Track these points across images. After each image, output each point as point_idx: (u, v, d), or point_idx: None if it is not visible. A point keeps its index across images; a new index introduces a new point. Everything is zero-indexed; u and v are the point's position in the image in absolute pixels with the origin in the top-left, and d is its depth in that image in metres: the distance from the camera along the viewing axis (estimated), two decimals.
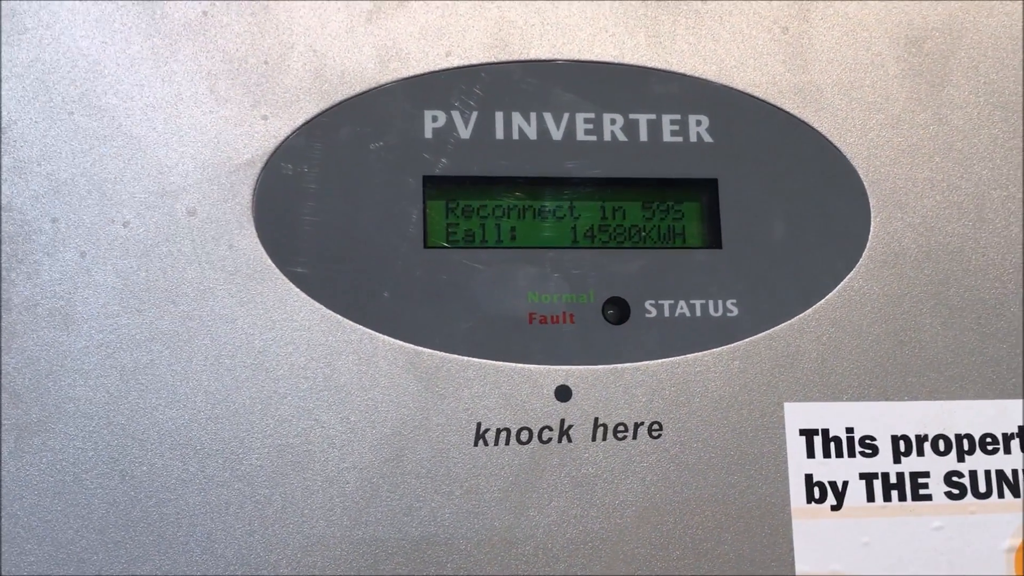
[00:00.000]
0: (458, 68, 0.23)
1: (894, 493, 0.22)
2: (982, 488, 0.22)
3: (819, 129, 0.23)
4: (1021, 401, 0.23)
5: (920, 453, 0.22)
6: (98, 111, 0.21)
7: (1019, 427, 0.23)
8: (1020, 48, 0.24)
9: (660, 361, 0.22)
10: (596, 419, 0.21)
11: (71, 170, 0.21)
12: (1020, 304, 0.23)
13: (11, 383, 0.20)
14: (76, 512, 0.19)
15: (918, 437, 0.22)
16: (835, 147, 0.23)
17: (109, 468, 0.20)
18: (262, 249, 0.21)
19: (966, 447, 0.22)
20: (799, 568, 0.21)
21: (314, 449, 0.20)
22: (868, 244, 0.23)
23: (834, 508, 0.22)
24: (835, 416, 0.22)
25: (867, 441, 0.22)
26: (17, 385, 0.20)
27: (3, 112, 0.21)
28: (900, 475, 0.22)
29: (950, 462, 0.22)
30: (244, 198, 0.21)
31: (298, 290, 0.21)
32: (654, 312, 0.22)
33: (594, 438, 0.21)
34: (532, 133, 0.23)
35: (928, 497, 0.22)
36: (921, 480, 0.22)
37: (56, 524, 0.19)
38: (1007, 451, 0.22)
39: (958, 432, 0.22)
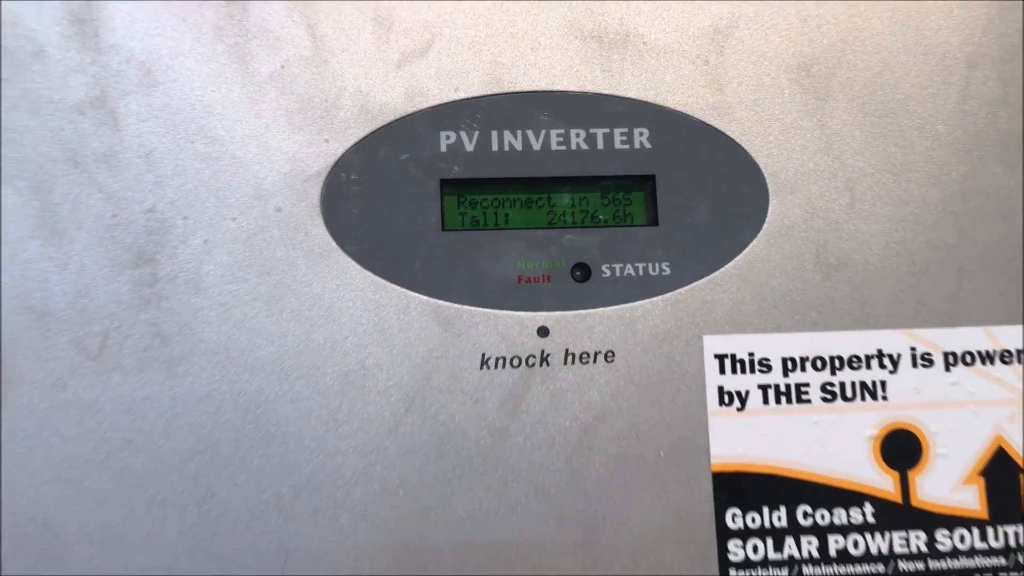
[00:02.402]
0: (464, 100, 0.31)
1: (783, 398, 0.30)
2: (848, 394, 0.30)
3: (731, 136, 0.31)
4: (877, 332, 0.31)
5: (803, 369, 0.30)
6: (212, 140, 0.30)
7: (878, 350, 0.31)
8: (885, 68, 0.32)
9: (613, 307, 0.30)
10: (567, 349, 0.30)
11: (195, 182, 0.29)
12: (878, 261, 0.31)
13: (162, 330, 0.29)
14: (215, 419, 0.28)
15: (802, 358, 0.30)
16: (743, 148, 0.31)
17: (230, 388, 0.29)
18: (328, 234, 0.30)
19: (837, 365, 0.31)
20: (713, 452, 0.30)
21: (368, 373, 0.29)
22: (767, 220, 0.31)
23: (739, 410, 0.30)
24: (741, 345, 0.30)
25: (764, 361, 0.30)
26: (166, 331, 0.29)
27: (148, 143, 0.30)
28: (788, 386, 0.30)
29: (825, 375, 0.30)
30: (314, 198, 0.30)
31: (354, 263, 0.30)
32: (609, 273, 0.31)
33: (565, 363, 0.30)
34: (519, 145, 0.31)
35: (808, 401, 0.30)
36: (803, 389, 0.30)
37: (200, 431, 0.28)
38: (868, 367, 0.31)
39: (831, 354, 0.31)
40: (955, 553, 0.30)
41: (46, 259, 0.29)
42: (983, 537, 0.30)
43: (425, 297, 0.30)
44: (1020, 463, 0.30)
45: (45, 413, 0.28)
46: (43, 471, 0.28)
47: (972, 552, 0.30)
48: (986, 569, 0.30)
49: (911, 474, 0.30)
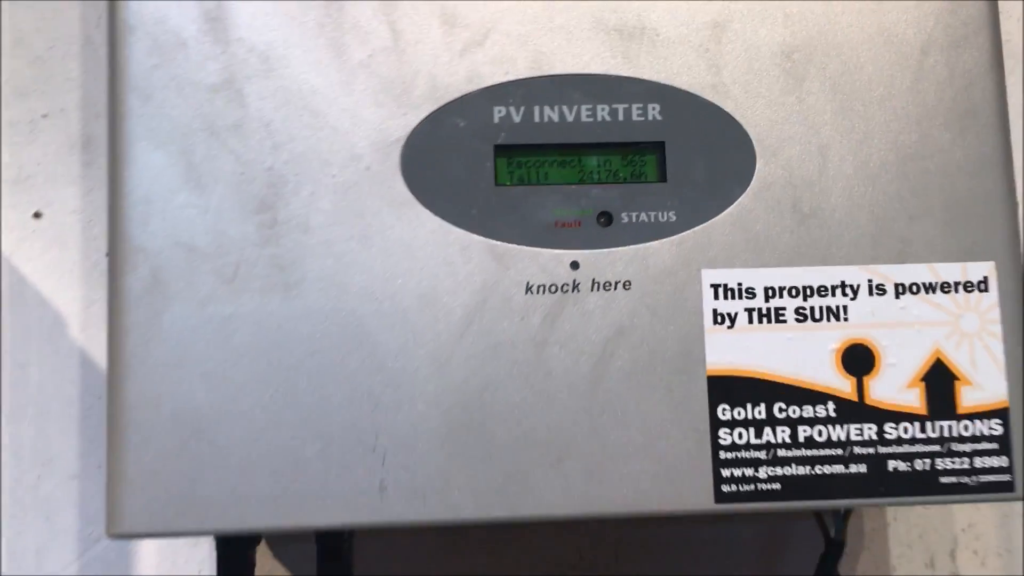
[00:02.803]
0: (512, 81, 0.39)
1: (764, 319, 0.38)
2: (817, 316, 0.38)
3: (726, 110, 0.39)
4: (841, 267, 0.38)
5: (780, 296, 0.38)
6: (316, 114, 0.38)
7: (841, 282, 0.38)
8: (853, 55, 0.40)
9: (631, 247, 0.38)
10: (594, 279, 0.38)
11: (303, 147, 0.38)
12: (843, 211, 0.39)
13: (280, 262, 0.37)
14: (321, 330, 0.37)
15: (780, 288, 0.38)
16: (736, 120, 0.39)
17: (332, 307, 0.37)
18: (406, 188, 0.38)
19: (808, 293, 0.38)
20: (708, 361, 0.38)
21: (438, 297, 0.37)
22: (754, 177, 0.39)
23: (729, 328, 0.38)
24: (732, 277, 0.38)
25: (749, 290, 0.38)
26: (283, 263, 0.37)
27: (266, 116, 0.38)
28: (768, 309, 0.38)
29: (798, 301, 0.38)
30: (395, 159, 0.38)
31: (426, 210, 0.38)
32: (627, 219, 0.38)
33: (592, 290, 0.38)
34: (556, 117, 0.39)
35: (784, 321, 0.38)
36: (781, 312, 0.38)
37: (310, 339, 0.37)
38: (833, 295, 0.38)
39: (804, 284, 0.38)
40: (899, 441, 0.38)
41: (192, 206, 0.37)
42: (923, 430, 0.38)
43: (482, 238, 0.38)
44: (953, 372, 0.38)
45: (193, 324, 0.36)
46: (192, 368, 0.36)
47: (913, 441, 0.38)
48: (924, 454, 0.38)
49: (865, 379, 0.38)
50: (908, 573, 0.51)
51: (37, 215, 0.51)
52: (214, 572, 0.45)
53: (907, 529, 0.51)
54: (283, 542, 0.49)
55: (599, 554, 0.51)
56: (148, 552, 0.49)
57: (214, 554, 0.47)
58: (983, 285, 0.38)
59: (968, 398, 0.38)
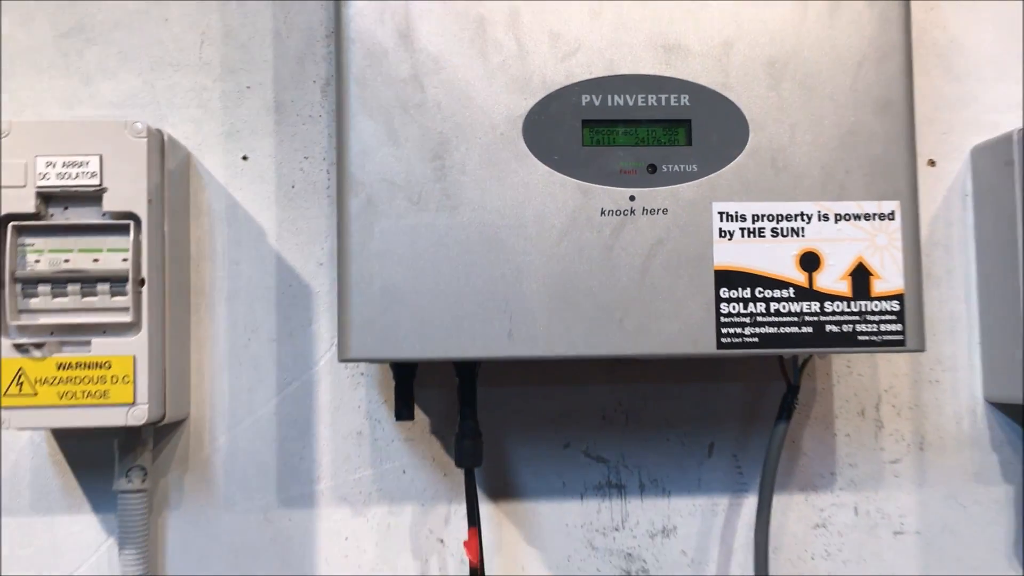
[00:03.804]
0: (594, 78, 0.60)
1: (752, 235, 0.60)
2: (784, 233, 0.60)
3: (731, 99, 0.60)
4: (801, 202, 0.60)
5: (762, 220, 0.60)
6: (468, 98, 0.59)
7: (800, 212, 0.60)
8: (814, 64, 0.61)
9: (668, 187, 0.60)
10: (644, 207, 0.59)
11: (460, 118, 0.59)
12: (803, 166, 0.60)
13: (447, 192, 0.58)
14: (472, 238, 0.58)
15: (762, 214, 0.60)
16: (737, 106, 0.60)
17: (479, 221, 0.58)
18: (526, 147, 0.59)
19: (780, 218, 0.60)
20: (715, 260, 0.59)
21: (545, 217, 0.59)
22: (747, 144, 0.60)
23: (729, 240, 0.60)
24: (732, 207, 0.60)
25: (743, 216, 0.60)
26: (449, 192, 0.58)
27: (437, 98, 0.59)
28: (754, 228, 0.60)
29: (773, 223, 0.60)
30: (519, 127, 0.59)
31: (539, 161, 0.59)
32: (666, 169, 0.60)
33: (643, 214, 0.59)
34: (621, 103, 0.60)
35: (764, 236, 0.60)
36: (761, 230, 0.60)
37: (464, 241, 0.58)
38: (795, 220, 0.60)
39: (777, 212, 0.60)
40: (833, 314, 0.60)
41: (391, 156, 0.58)
42: (848, 307, 0.60)
43: (573, 179, 0.59)
44: (869, 270, 0.60)
45: (392, 231, 0.58)
46: (392, 258, 0.58)
47: (843, 313, 0.60)
48: (849, 322, 0.60)
49: (814, 274, 0.60)
50: (846, 419, 0.74)
51: (245, 158, 0.72)
52: (368, 405, 0.68)
53: (846, 388, 0.74)
54: (428, 382, 0.71)
55: (633, 400, 0.73)
56: (324, 391, 0.71)
57: (369, 394, 0.70)
58: (891, 216, 0.60)
59: (878, 287, 0.60)
